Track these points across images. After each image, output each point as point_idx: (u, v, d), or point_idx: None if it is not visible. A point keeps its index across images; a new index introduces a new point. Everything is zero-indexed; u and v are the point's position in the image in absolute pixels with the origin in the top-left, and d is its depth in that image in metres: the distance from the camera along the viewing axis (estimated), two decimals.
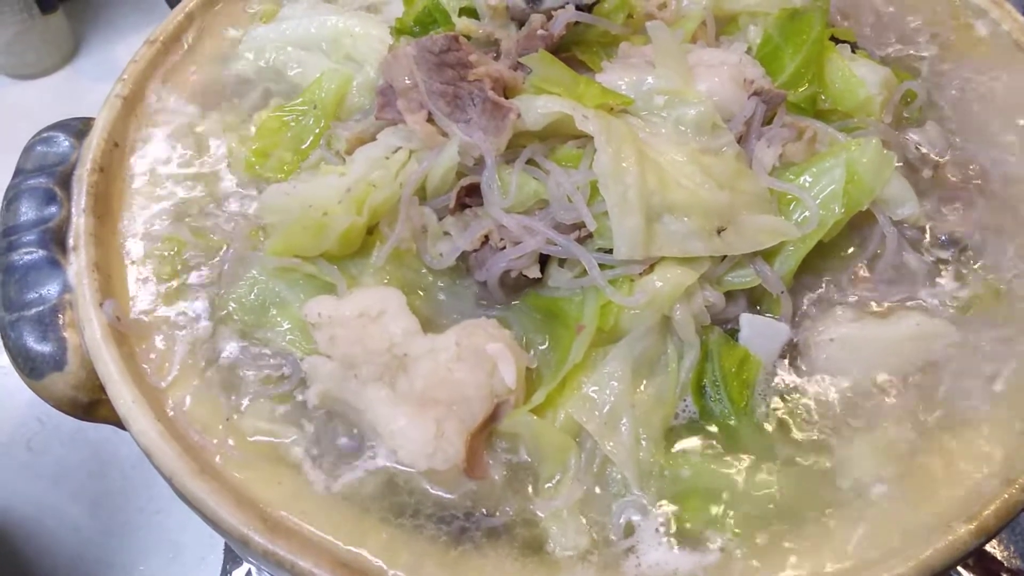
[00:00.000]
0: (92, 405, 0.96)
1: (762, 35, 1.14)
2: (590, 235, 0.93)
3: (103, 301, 0.95)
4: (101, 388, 0.93)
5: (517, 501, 0.86)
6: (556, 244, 0.93)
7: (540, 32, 1.04)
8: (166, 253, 1.03)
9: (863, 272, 1.00)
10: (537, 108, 0.96)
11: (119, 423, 0.93)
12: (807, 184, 0.98)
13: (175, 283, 1.01)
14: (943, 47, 1.23)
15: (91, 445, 1.48)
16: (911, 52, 1.23)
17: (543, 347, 0.94)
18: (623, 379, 0.89)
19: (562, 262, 0.95)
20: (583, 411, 0.88)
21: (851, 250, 1.01)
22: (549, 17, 1.06)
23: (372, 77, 1.13)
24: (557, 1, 1.07)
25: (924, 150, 1.10)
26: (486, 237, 0.96)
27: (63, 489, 1.44)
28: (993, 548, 1.38)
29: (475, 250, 0.96)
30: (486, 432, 0.89)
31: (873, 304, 0.98)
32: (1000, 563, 1.37)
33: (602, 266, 0.91)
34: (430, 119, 1.00)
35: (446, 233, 0.98)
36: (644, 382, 0.91)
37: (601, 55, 1.09)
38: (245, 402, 0.92)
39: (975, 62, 1.20)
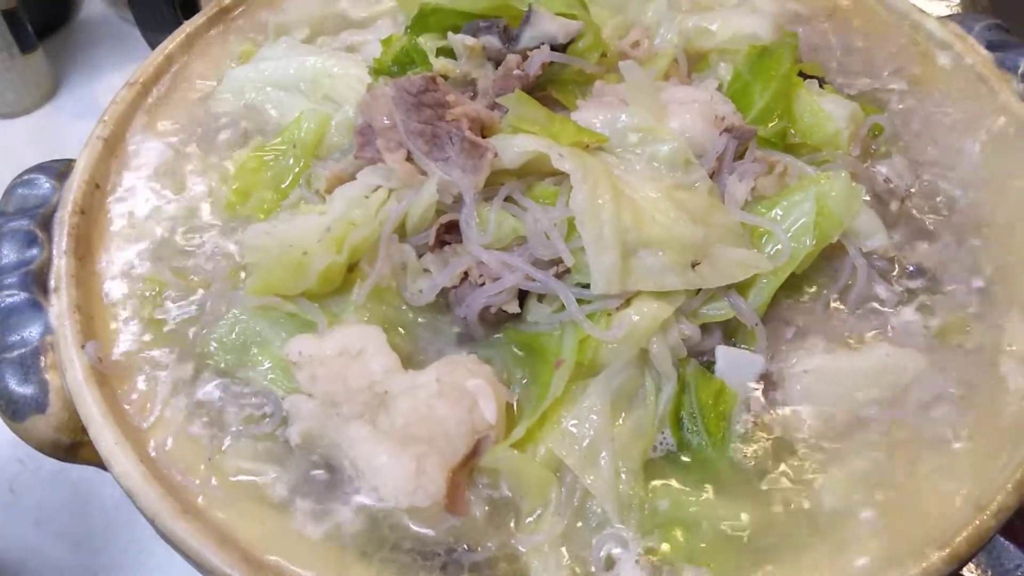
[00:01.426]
0: (74, 447, 0.96)
1: (732, 72, 1.16)
2: (568, 270, 0.95)
3: (85, 342, 0.96)
4: (83, 429, 0.93)
5: (499, 536, 0.87)
6: (535, 280, 0.94)
7: (516, 72, 1.07)
8: (147, 293, 1.04)
9: (835, 303, 1.02)
10: (514, 147, 0.97)
11: (101, 464, 0.93)
12: (778, 217, 1.00)
13: (156, 323, 1.01)
14: (909, 81, 1.26)
15: (73, 486, 1.47)
16: (878, 87, 1.25)
17: (523, 382, 0.96)
18: (602, 413, 0.90)
19: (541, 297, 0.96)
20: (563, 445, 0.89)
21: (823, 281, 1.03)
22: (525, 57, 1.08)
23: (351, 116, 1.14)
24: (532, 41, 1.09)
25: (892, 182, 1.13)
26: (466, 273, 0.97)
27: (46, 530, 1.43)
28: (971, 573, 1.39)
29: (455, 286, 0.97)
30: (467, 468, 0.89)
31: (846, 335, 0.99)
32: None
33: (580, 301, 0.93)
34: (409, 158, 1.01)
35: (426, 270, 0.99)
36: (623, 415, 0.92)
37: (576, 93, 1.11)
38: (227, 441, 0.93)
39: (940, 95, 1.23)
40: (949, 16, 1.35)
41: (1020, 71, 1.22)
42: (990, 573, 1.37)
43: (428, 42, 1.16)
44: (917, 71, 1.27)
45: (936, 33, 1.29)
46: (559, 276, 0.95)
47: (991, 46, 1.26)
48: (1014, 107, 1.17)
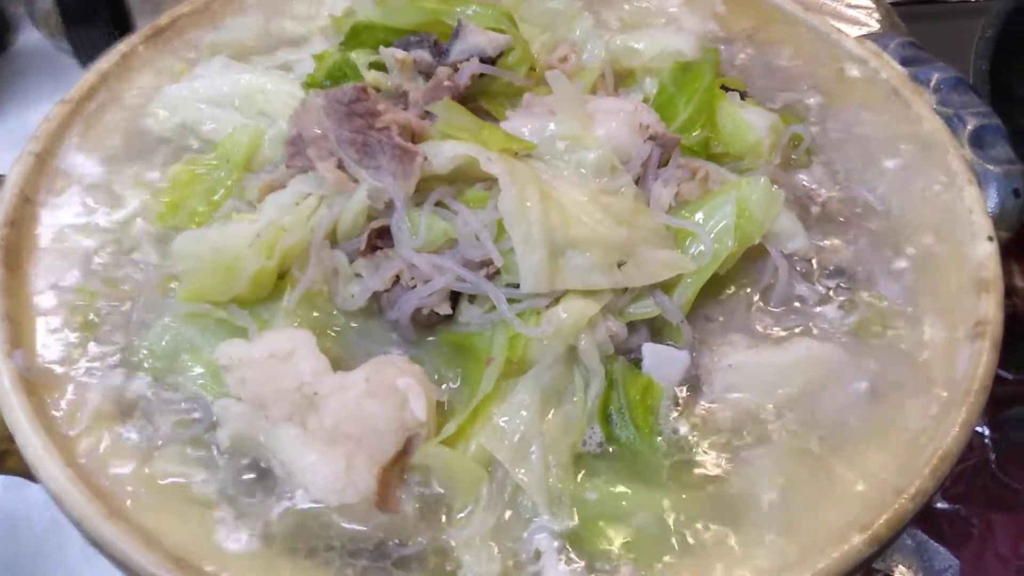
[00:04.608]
0: (0, 456, 0.95)
1: (657, 86, 1.20)
2: (498, 271, 0.96)
3: (12, 351, 0.95)
4: (10, 439, 0.92)
5: (430, 531, 0.87)
6: (465, 281, 0.96)
7: (446, 83, 1.09)
8: (77, 303, 1.03)
9: (758, 302, 1.05)
10: (444, 152, 0.99)
11: (28, 474, 0.93)
12: (701, 220, 1.03)
13: (86, 332, 1.01)
14: (827, 95, 1.30)
15: (2, 512, 1.44)
16: (798, 100, 1.30)
17: (455, 382, 0.97)
18: (532, 408, 0.92)
19: (472, 298, 0.98)
20: (494, 440, 0.90)
21: (746, 282, 1.06)
22: (455, 69, 1.11)
23: (284, 130, 1.14)
24: (462, 54, 1.12)
25: (812, 188, 1.17)
26: (397, 277, 0.98)
27: None
28: (903, 574, 1.42)
29: (386, 290, 0.98)
30: (398, 466, 0.90)
31: (768, 332, 1.02)
32: None
33: (510, 300, 0.94)
34: (340, 166, 1.03)
35: (357, 275, 1.00)
36: (552, 411, 0.93)
37: (505, 105, 1.14)
38: (157, 446, 0.92)
39: (856, 108, 1.27)
40: (866, 35, 1.41)
41: (932, 84, 1.28)
42: (921, 574, 1.40)
43: (360, 57, 1.18)
44: (835, 86, 1.32)
45: (853, 50, 1.34)
46: (490, 277, 0.96)
47: (904, 61, 1.31)
48: (926, 118, 1.22)
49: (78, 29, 2.04)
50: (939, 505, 1.43)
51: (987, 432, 1.49)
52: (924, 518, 1.38)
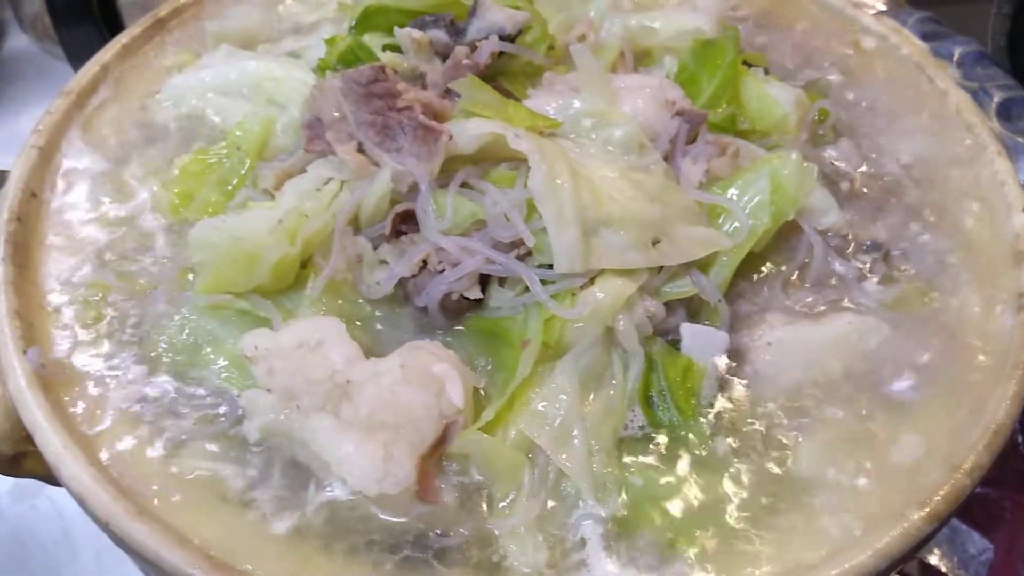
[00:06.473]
0: (17, 458, 0.92)
1: (678, 64, 1.17)
2: (529, 252, 0.93)
3: (26, 348, 0.91)
4: (27, 439, 0.88)
5: (471, 522, 0.84)
6: (496, 263, 0.92)
7: (465, 62, 1.06)
8: (90, 299, 0.99)
9: (794, 280, 1.02)
10: (468, 131, 0.96)
11: (47, 476, 0.89)
12: (734, 197, 1.00)
13: (101, 328, 0.97)
14: (849, 72, 1.28)
15: (9, 524, 1.40)
16: (820, 77, 1.27)
17: (487, 369, 0.93)
18: (571, 392, 0.88)
19: (503, 282, 0.94)
20: (534, 426, 0.87)
21: (780, 260, 1.03)
22: (473, 49, 1.08)
23: (296, 118, 1.11)
24: (480, 33, 1.09)
25: (840, 164, 1.14)
26: (424, 262, 0.95)
27: None
28: (938, 561, 1.40)
29: (413, 276, 0.95)
30: (436, 455, 0.86)
31: (806, 309, 0.99)
32: (944, 575, 1.39)
33: (543, 282, 0.91)
34: (360, 150, 0.99)
35: (383, 261, 0.97)
36: (592, 394, 0.90)
37: (526, 85, 1.11)
38: (182, 442, 0.88)
39: (879, 84, 1.25)
40: (880, 12, 1.39)
41: (955, 59, 1.25)
42: (955, 560, 1.38)
43: (373, 40, 1.15)
44: (856, 63, 1.29)
45: (872, 27, 1.32)
46: (520, 259, 0.93)
47: (924, 37, 1.30)
48: (952, 92, 1.20)
49: (68, 30, 1.99)
50: None
51: None
52: None
